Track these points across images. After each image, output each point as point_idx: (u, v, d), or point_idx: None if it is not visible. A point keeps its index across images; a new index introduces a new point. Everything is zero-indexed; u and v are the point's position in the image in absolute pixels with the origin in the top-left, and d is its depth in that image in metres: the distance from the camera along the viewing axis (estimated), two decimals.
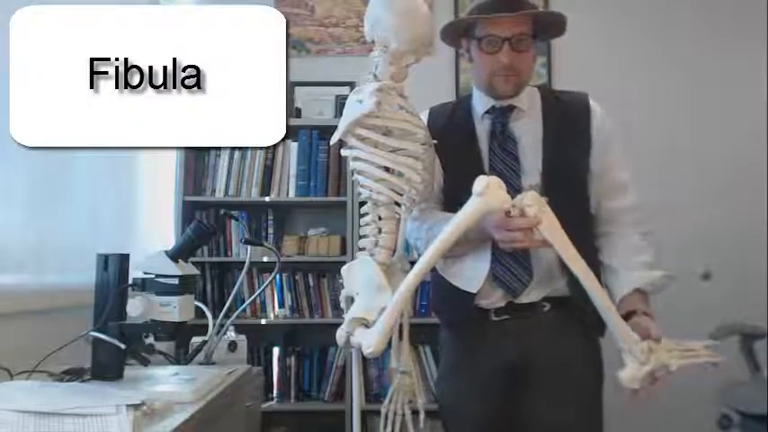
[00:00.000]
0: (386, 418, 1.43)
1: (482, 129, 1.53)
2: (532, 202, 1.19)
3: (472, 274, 1.48)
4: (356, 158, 1.30)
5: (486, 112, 1.54)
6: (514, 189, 1.41)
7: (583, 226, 1.47)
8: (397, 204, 1.33)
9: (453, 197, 1.50)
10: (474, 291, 1.47)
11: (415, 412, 1.45)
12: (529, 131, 1.51)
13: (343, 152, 1.32)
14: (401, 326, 1.42)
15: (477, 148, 1.52)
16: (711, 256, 2.70)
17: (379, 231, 1.30)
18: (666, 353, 1.27)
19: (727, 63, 3.09)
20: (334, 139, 1.32)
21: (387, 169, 1.29)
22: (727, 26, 3.10)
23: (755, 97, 3.03)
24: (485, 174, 1.45)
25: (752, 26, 3.05)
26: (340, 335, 1.27)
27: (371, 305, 1.22)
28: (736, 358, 2.61)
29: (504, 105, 1.52)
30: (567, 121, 1.52)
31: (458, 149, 1.52)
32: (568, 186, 1.47)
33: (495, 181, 1.16)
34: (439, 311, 1.65)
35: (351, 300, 1.30)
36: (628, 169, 1.55)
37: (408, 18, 1.26)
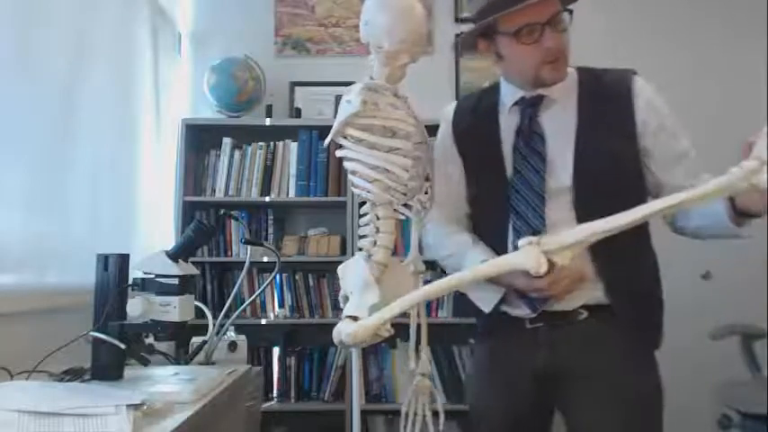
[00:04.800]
0: (406, 419, 1.42)
1: (508, 125, 1.42)
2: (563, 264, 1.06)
3: (486, 294, 1.40)
4: (349, 159, 1.30)
5: (515, 103, 1.42)
6: (538, 195, 1.34)
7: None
8: (406, 205, 1.33)
9: (475, 202, 1.46)
10: (487, 310, 1.40)
11: (434, 414, 1.44)
12: (560, 123, 1.37)
13: (338, 153, 1.32)
14: (419, 326, 1.42)
15: (501, 148, 1.41)
16: (711, 256, 2.70)
17: (377, 231, 1.30)
18: None
19: (727, 61, 3.09)
20: (327, 141, 1.32)
21: (380, 169, 1.29)
22: (728, 24, 3.10)
23: (756, 95, 3.03)
24: (507, 177, 1.38)
25: (753, 24, 3.05)
26: (336, 333, 1.28)
27: (361, 303, 1.22)
28: (736, 358, 2.62)
29: (533, 95, 1.39)
30: (607, 105, 1.36)
31: (481, 150, 1.44)
32: (607, 183, 1.31)
33: (536, 251, 1.03)
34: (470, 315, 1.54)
35: (347, 299, 1.31)
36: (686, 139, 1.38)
37: (400, 17, 1.26)
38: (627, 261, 1.25)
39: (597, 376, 1.32)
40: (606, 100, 1.37)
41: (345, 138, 1.29)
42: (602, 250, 1.22)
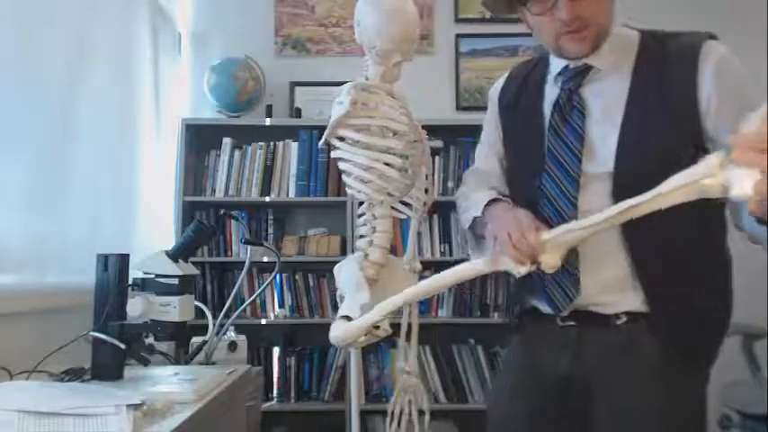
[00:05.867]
0: (391, 417, 1.42)
1: (551, 97, 1.25)
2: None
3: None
4: (342, 160, 1.30)
5: (560, 73, 1.24)
6: (572, 179, 1.16)
7: (689, 222, 1.04)
8: (407, 205, 1.33)
9: (511, 180, 1.33)
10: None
11: (420, 413, 1.44)
12: (608, 97, 1.18)
13: (332, 154, 1.33)
14: (409, 326, 1.42)
15: (541, 123, 1.24)
16: None
17: (374, 230, 1.31)
18: None
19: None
20: (320, 142, 1.32)
21: (372, 169, 1.30)
22: (729, 21, 3.10)
23: (756, 94, 3.03)
24: (544, 157, 1.21)
25: (754, 20, 3.05)
26: (330, 333, 1.28)
27: (353, 303, 1.23)
28: (736, 358, 2.62)
29: (578, 65, 1.20)
30: (667, 76, 1.14)
31: (521, 125, 1.29)
32: (656, 171, 0.99)
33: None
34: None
35: (343, 298, 1.31)
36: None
37: (389, 17, 1.27)
38: (673, 265, 1.10)
39: (622, 387, 1.16)
40: (667, 70, 1.14)
41: (339, 139, 1.29)
42: (638, 250, 1.13)
